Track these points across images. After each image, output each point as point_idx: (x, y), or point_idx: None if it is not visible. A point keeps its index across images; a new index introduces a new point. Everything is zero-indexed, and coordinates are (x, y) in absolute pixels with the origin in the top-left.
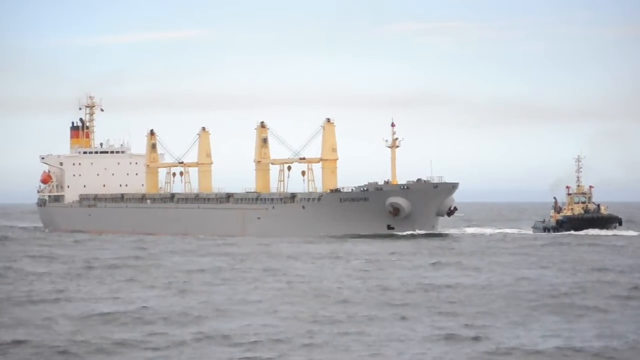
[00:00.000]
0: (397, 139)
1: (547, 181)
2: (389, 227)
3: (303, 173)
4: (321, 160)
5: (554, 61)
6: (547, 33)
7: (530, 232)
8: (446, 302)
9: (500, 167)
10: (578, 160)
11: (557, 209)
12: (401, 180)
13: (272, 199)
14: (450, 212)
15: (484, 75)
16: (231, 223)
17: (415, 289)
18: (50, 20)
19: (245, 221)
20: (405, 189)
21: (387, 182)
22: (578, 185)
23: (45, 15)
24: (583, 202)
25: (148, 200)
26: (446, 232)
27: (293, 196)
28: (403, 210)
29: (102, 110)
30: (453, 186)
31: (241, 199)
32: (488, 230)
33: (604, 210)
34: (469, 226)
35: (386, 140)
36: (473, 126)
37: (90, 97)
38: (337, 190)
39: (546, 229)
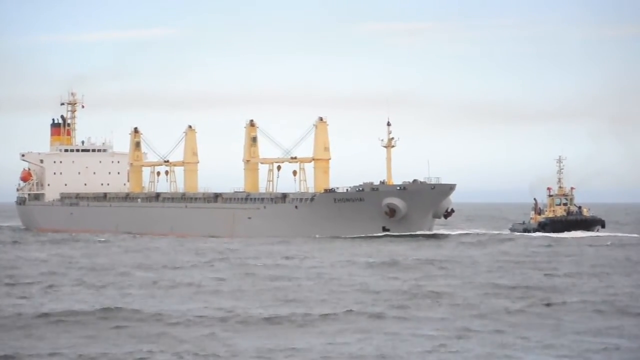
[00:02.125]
0: (392, 138)
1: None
2: (384, 229)
3: (294, 173)
4: (313, 159)
5: (544, 61)
6: (534, 33)
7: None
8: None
9: (485, 168)
10: (559, 161)
11: (538, 210)
12: (395, 180)
13: (263, 199)
14: (447, 214)
15: (477, 76)
16: (220, 223)
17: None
18: (29, 18)
19: (235, 221)
20: (402, 190)
21: (382, 183)
22: (559, 187)
23: (24, 13)
24: (564, 204)
25: (139, 199)
26: (444, 233)
27: (284, 196)
28: (399, 212)
29: (82, 107)
30: (450, 187)
31: (230, 199)
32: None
33: (586, 212)
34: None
35: (381, 140)
36: (462, 127)
37: (72, 93)
38: (331, 190)
39: (526, 231)
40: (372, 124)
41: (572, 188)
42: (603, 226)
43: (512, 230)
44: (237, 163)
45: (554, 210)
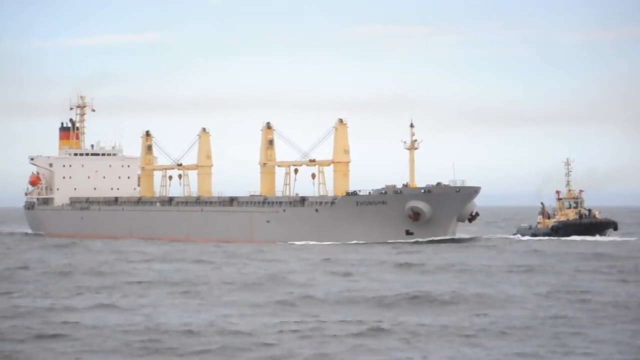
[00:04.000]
0: (415, 140)
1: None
2: (408, 233)
3: (313, 176)
4: (333, 162)
5: (544, 63)
6: (535, 34)
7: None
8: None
9: (486, 172)
10: (567, 163)
11: (546, 214)
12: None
13: (281, 203)
14: (471, 218)
15: (479, 78)
16: (238, 227)
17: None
18: (37, 22)
19: (254, 225)
20: (427, 193)
21: (405, 185)
22: (569, 190)
23: (31, 17)
24: (575, 207)
25: (158, 203)
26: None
27: (303, 199)
28: (424, 215)
29: (93, 110)
30: (475, 190)
31: (247, 203)
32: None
33: (598, 215)
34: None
35: (404, 142)
36: (461, 130)
37: (81, 97)
38: (353, 193)
39: (534, 235)
40: (374, 126)
41: (581, 191)
42: (615, 229)
43: (519, 234)
44: (251, 166)
45: (565, 214)
